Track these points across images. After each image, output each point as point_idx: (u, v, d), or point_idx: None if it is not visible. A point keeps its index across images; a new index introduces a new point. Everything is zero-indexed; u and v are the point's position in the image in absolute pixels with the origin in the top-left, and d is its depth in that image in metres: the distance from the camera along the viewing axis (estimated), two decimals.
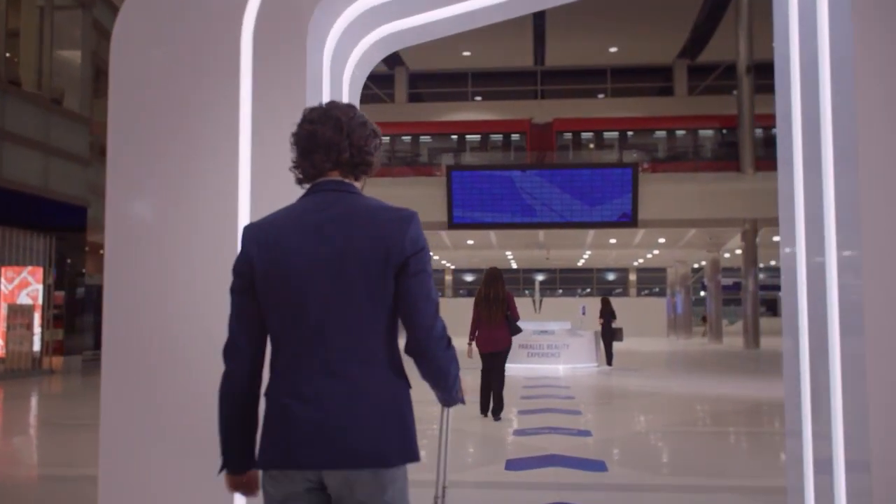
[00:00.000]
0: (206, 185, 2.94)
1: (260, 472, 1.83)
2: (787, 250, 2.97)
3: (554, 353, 16.17)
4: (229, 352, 1.86)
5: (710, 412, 9.83)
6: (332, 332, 1.77)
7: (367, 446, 1.73)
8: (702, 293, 42.74)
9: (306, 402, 1.75)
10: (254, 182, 2.92)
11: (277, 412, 1.78)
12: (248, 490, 1.94)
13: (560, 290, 48.38)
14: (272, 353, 1.84)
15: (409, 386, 1.84)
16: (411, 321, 1.81)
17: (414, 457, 1.79)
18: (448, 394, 1.95)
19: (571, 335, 16.63)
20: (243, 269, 1.84)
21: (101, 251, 3.09)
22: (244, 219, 2.85)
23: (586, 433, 7.49)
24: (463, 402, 2.05)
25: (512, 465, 5.97)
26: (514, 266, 42.28)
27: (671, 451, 7.18)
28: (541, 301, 37.81)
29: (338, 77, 3.47)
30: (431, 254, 2.40)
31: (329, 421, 1.73)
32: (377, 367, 1.78)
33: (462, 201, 24.61)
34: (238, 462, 1.89)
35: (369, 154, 1.92)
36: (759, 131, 26.05)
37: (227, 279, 1.88)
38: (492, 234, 26.74)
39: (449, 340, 1.87)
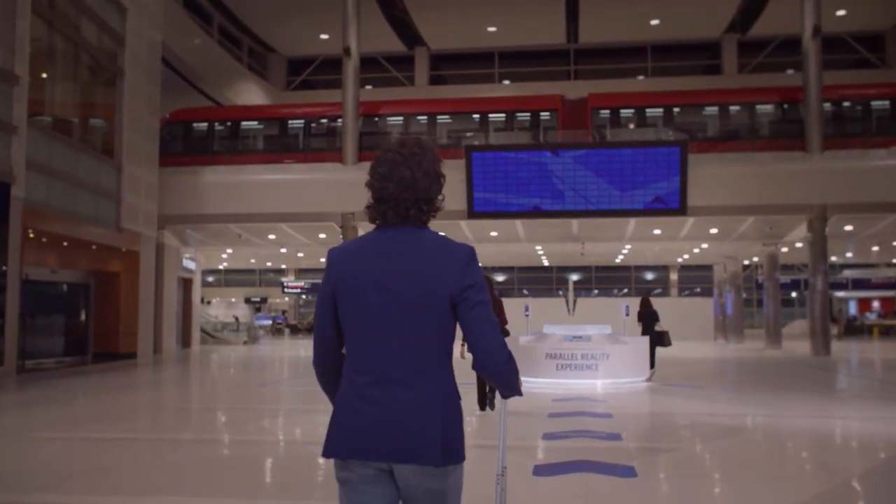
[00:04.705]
0: None
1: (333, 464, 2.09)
2: None
3: (590, 366, 12.89)
4: (314, 356, 2.24)
5: (867, 473, 6.00)
6: (391, 347, 2.05)
7: (420, 445, 1.99)
8: (743, 294, 39.10)
9: (370, 403, 2.03)
10: None
11: (347, 411, 2.06)
12: None
13: (596, 291, 45.09)
14: (346, 358, 2.14)
15: (458, 397, 2.11)
16: (476, 346, 2.07)
17: (460, 458, 2.06)
18: (508, 391, 2.20)
19: (612, 342, 13.32)
20: (324, 287, 2.16)
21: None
22: None
23: None
24: (521, 394, 2.24)
25: None
26: (546, 263, 38.97)
27: None
28: (575, 302, 34.52)
29: None
30: None
31: (389, 421, 2.01)
32: (431, 379, 2.05)
33: (484, 186, 21.37)
34: None
35: (434, 202, 2.17)
36: (826, 105, 22.50)
37: None
38: (518, 225, 23.48)
39: (509, 355, 2.10)
